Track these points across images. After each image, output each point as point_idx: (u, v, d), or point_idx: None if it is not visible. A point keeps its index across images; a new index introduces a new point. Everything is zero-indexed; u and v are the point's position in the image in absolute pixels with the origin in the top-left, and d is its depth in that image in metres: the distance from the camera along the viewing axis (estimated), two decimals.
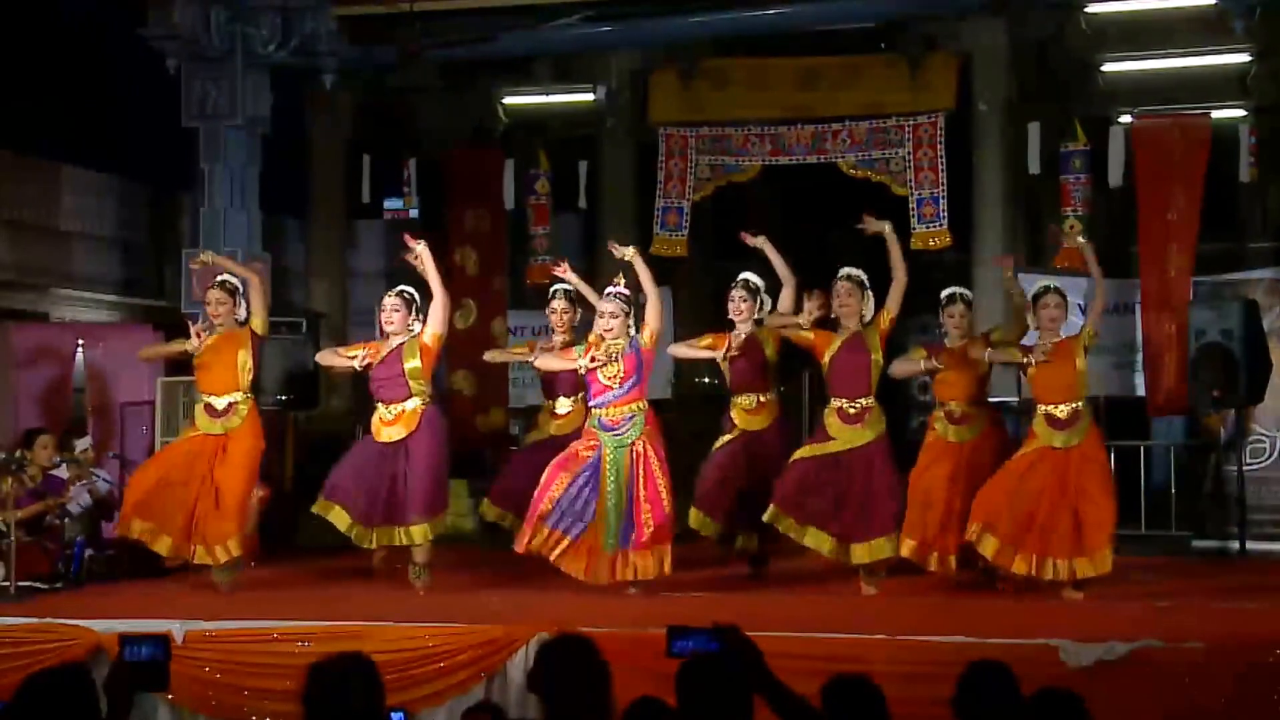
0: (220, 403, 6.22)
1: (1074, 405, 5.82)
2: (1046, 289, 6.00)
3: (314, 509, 6.14)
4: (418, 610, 5.52)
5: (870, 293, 6.13)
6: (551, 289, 6.84)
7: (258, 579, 6.57)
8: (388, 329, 6.19)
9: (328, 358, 6.53)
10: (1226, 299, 7.89)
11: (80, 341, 8.57)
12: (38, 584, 6.40)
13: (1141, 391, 8.71)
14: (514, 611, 5.35)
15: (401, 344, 6.16)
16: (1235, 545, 7.53)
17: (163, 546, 6.12)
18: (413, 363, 6.09)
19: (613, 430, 5.75)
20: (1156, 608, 5.59)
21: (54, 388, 8.41)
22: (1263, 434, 7.94)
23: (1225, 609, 5.55)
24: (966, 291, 6.42)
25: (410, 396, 6.10)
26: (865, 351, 6.04)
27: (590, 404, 5.91)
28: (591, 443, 5.81)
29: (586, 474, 5.75)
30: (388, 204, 10.34)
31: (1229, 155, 8.67)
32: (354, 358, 6.22)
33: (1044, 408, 5.85)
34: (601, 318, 5.85)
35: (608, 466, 5.74)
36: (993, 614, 5.52)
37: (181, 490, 6.14)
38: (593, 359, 5.77)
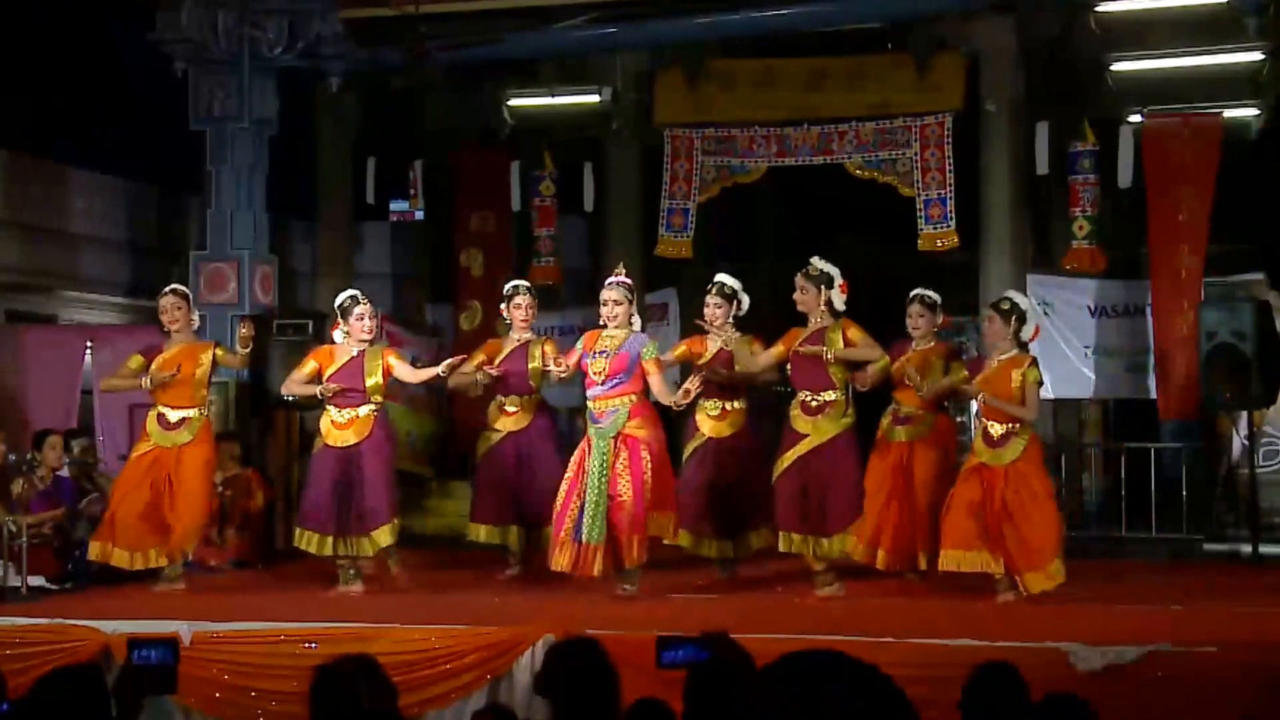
0: (174, 416, 6.24)
1: (1008, 426, 5.74)
2: (990, 305, 6.04)
3: (296, 541, 6.23)
4: (424, 612, 5.50)
5: (826, 289, 5.98)
6: (511, 284, 6.81)
7: (264, 581, 6.56)
8: (360, 336, 6.19)
9: (292, 388, 6.33)
10: (1238, 300, 7.85)
11: (89, 343, 8.58)
12: (47, 584, 6.42)
13: (1153, 393, 8.67)
14: (520, 613, 5.33)
15: (363, 354, 6.19)
16: (1247, 548, 7.49)
17: (121, 560, 6.16)
18: (374, 379, 6.18)
19: (598, 422, 5.80)
20: (1168, 611, 5.55)
21: (63, 389, 8.41)
22: (1275, 436, 7.90)
23: (1238, 612, 5.50)
24: (928, 293, 6.39)
25: (365, 403, 6.17)
26: (821, 345, 5.93)
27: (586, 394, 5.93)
28: (588, 443, 5.80)
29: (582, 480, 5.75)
30: (393, 205, 10.33)
31: (1241, 155, 8.63)
32: (310, 380, 6.17)
33: (984, 422, 5.87)
34: (605, 305, 5.86)
35: (594, 458, 5.71)
36: (1002, 617, 5.49)
37: (139, 509, 6.16)
38: (596, 353, 5.78)
